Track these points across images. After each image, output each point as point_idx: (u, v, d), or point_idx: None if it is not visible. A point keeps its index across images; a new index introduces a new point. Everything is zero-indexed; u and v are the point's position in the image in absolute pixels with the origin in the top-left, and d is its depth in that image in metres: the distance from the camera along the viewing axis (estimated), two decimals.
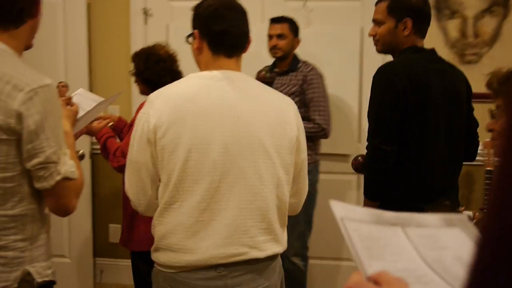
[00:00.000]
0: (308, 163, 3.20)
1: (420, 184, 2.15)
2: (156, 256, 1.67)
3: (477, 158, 2.45)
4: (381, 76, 2.15)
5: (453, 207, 2.12)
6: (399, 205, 1.97)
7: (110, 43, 3.75)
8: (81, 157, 3.25)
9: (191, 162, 1.56)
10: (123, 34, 3.72)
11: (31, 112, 1.39)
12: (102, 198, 3.85)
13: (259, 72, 3.33)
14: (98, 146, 2.84)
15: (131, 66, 2.88)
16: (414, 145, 2.13)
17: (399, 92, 2.08)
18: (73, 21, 3.52)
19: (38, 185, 1.45)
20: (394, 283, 0.63)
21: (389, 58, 2.37)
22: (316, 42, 3.51)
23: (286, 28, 3.24)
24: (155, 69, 2.80)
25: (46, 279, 1.51)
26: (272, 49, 3.26)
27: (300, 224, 3.20)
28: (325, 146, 3.37)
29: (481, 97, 2.99)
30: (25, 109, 1.39)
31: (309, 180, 3.15)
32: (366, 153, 2.21)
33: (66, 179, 1.46)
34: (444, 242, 0.72)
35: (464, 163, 2.33)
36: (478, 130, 2.36)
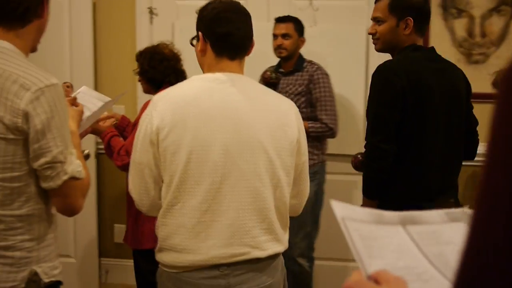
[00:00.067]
0: (316, 163, 3.25)
1: (419, 183, 2.15)
2: (160, 257, 1.69)
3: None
4: (380, 75, 2.14)
5: (457, 206, 2.11)
6: (398, 204, 1.98)
7: (116, 42, 3.75)
8: (87, 157, 3.24)
9: (192, 164, 1.58)
10: (129, 33, 3.72)
11: (38, 112, 1.39)
12: (107, 198, 3.85)
13: (264, 72, 3.31)
14: (103, 146, 2.84)
15: (136, 65, 2.88)
16: (413, 144, 2.13)
17: (398, 91, 2.08)
18: (78, 20, 3.52)
19: (44, 184, 1.45)
20: (393, 282, 0.64)
21: None
22: (322, 41, 3.49)
23: (291, 27, 3.23)
24: (159, 68, 2.80)
25: (53, 279, 1.51)
26: (277, 49, 3.25)
27: (307, 224, 3.18)
28: (331, 146, 3.35)
29: (489, 97, 2.98)
30: (32, 108, 1.39)
31: (317, 180, 3.19)
32: (365, 151, 2.22)
33: (73, 178, 1.45)
34: (448, 237, 0.73)
35: (470, 163, 2.32)
36: (482, 129, 2.34)
